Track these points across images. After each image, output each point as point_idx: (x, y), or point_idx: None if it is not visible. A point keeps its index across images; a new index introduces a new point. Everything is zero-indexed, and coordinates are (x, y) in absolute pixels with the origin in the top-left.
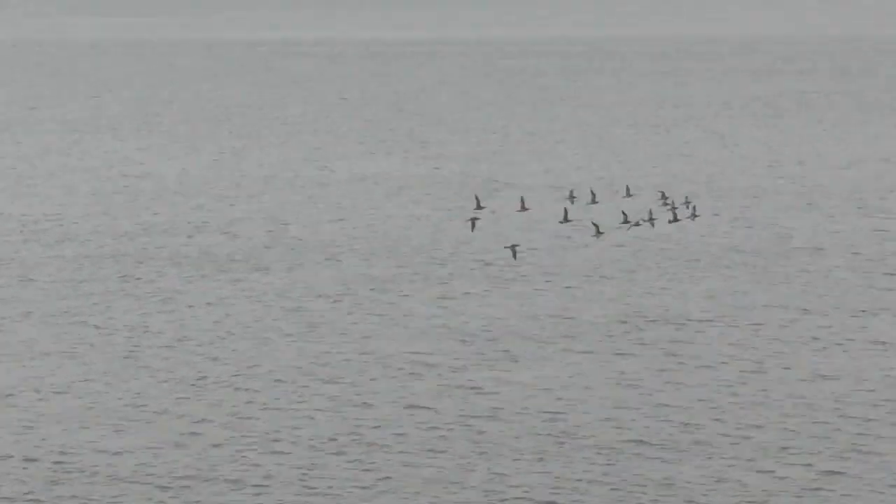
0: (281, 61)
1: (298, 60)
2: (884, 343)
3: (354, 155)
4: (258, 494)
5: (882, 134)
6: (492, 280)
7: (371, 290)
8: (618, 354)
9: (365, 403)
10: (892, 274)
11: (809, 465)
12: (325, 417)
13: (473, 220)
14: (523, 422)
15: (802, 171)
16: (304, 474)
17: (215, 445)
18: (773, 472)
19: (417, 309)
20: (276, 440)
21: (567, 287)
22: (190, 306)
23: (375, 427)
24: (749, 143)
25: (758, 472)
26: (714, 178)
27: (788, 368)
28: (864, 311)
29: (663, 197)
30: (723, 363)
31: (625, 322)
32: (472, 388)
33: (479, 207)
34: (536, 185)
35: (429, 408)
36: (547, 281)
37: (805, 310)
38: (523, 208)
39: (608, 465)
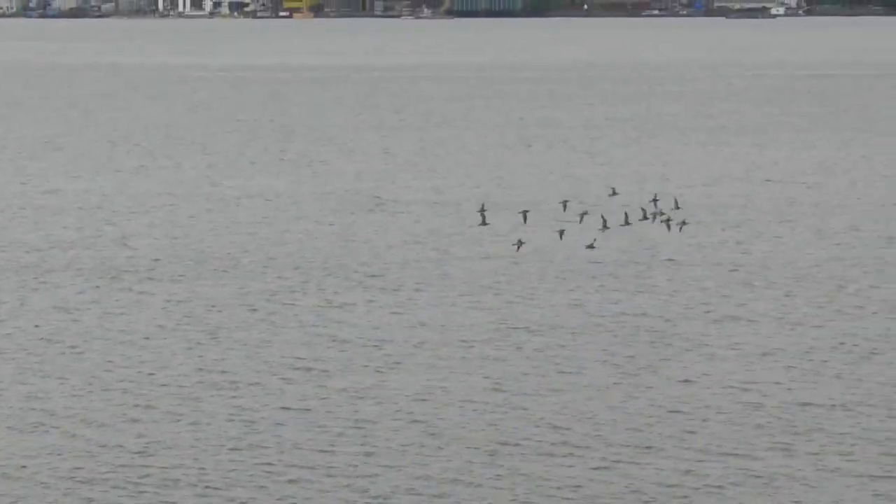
0: (182, 86)
1: (199, 85)
2: (741, 349)
3: (248, 173)
4: (153, 495)
5: (740, 153)
6: (377, 290)
7: (263, 300)
8: (493, 360)
9: (253, 408)
10: (748, 284)
11: (672, 465)
12: (216, 421)
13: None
14: (403, 425)
15: (668, 186)
16: (197, 477)
17: (108, 448)
18: (638, 471)
19: (306, 318)
20: (165, 445)
21: (446, 296)
22: (89, 316)
23: (262, 431)
24: (618, 161)
25: (624, 471)
26: (583, 193)
27: (653, 373)
28: (723, 318)
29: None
30: (591, 369)
31: (499, 329)
32: (355, 393)
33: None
34: (419, 201)
35: (314, 411)
36: (428, 291)
37: (668, 318)
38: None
39: (483, 465)
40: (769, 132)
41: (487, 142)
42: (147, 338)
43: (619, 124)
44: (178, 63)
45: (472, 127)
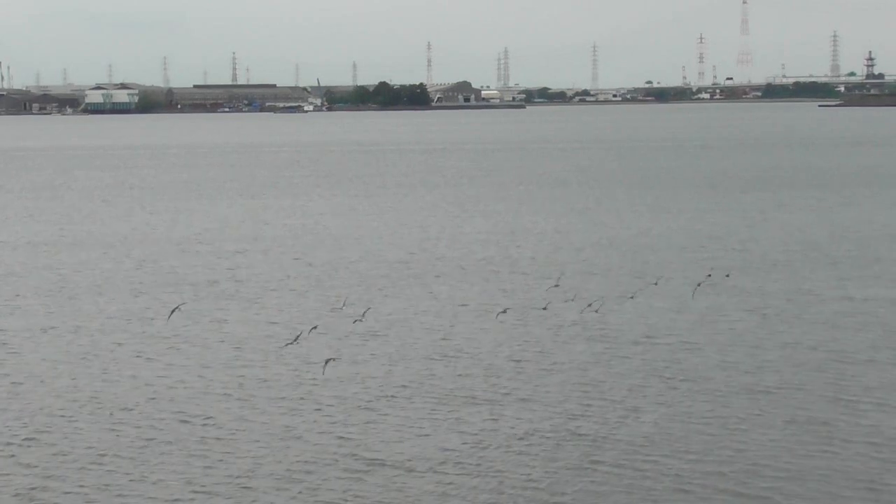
0: None
1: None
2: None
3: None
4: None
5: (237, 204)
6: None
7: None
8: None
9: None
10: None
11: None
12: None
13: None
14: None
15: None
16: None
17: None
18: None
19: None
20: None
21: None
22: None
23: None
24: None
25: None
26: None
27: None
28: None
29: None
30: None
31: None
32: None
33: None
34: (18, 243)
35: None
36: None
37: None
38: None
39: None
40: (271, 189)
41: (88, 200)
42: None
43: (177, 185)
44: None
45: (82, 190)
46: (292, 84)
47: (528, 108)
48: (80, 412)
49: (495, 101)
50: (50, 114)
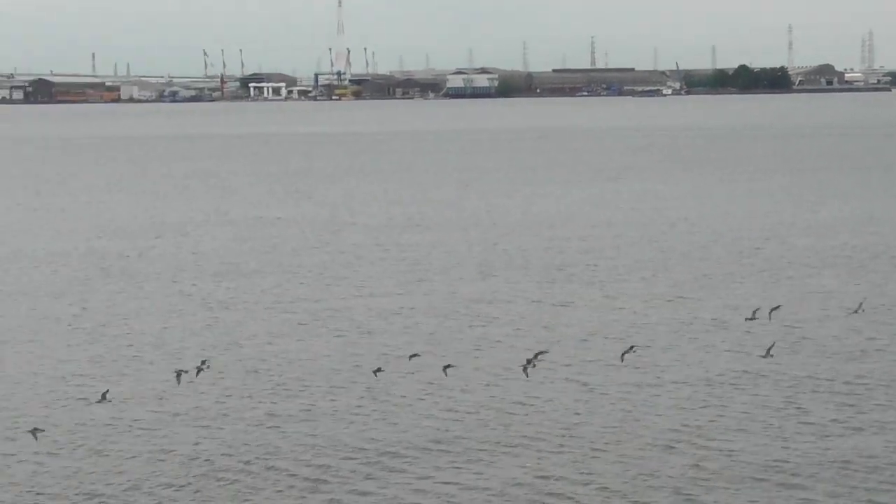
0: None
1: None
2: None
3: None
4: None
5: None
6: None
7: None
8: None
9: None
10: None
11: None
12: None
13: None
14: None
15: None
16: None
17: None
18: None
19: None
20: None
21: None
22: None
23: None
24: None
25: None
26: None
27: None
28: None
29: None
30: None
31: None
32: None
33: None
34: (375, 224)
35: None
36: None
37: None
38: None
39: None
40: (626, 174)
41: (428, 180)
42: None
43: (532, 170)
44: (249, 131)
45: (415, 171)
46: (650, 68)
47: (894, 90)
48: (399, 409)
49: (859, 83)
50: (412, 98)
